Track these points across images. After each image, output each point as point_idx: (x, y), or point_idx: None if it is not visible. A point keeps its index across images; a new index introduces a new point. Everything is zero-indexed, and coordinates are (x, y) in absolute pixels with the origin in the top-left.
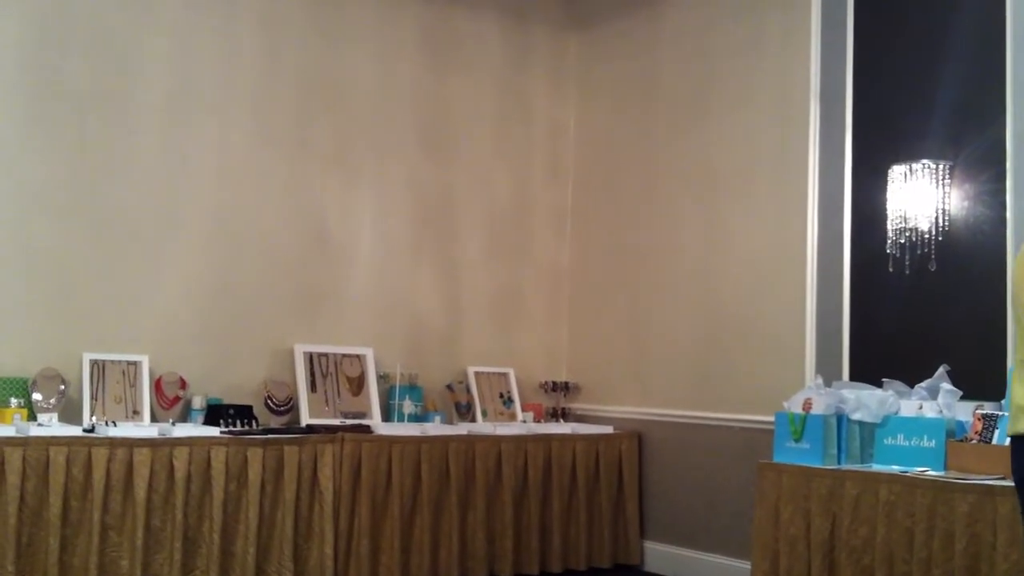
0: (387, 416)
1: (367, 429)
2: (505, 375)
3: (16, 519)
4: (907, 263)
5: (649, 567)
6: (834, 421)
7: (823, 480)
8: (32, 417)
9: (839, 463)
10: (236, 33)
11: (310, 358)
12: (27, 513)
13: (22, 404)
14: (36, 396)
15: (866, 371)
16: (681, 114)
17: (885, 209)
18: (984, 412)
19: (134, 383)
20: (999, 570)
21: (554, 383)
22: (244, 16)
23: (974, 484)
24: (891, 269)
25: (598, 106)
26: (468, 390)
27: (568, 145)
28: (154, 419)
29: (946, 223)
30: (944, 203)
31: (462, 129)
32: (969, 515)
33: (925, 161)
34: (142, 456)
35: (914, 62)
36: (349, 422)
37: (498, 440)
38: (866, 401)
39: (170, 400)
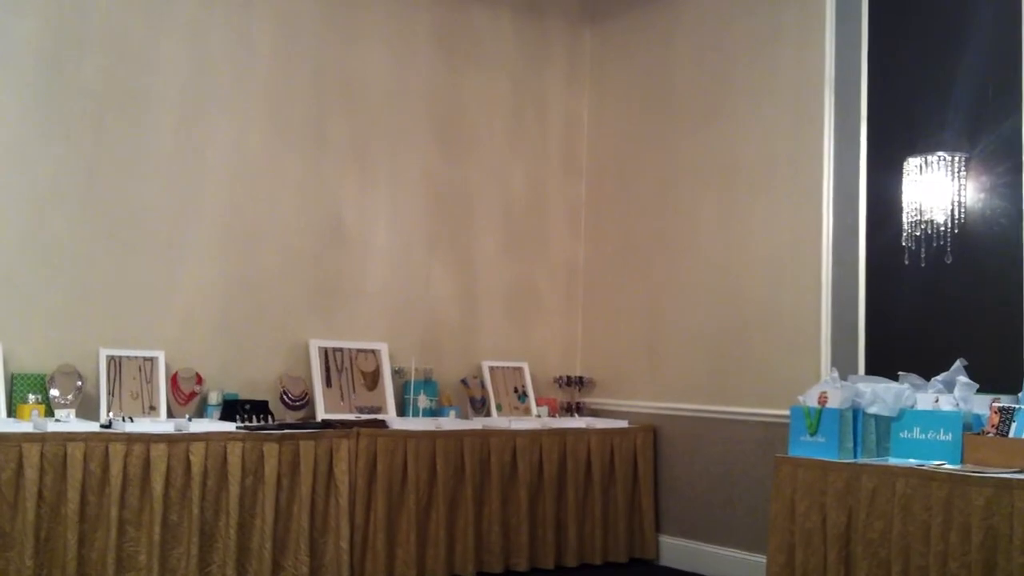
0: (402, 411)
1: (382, 424)
2: (520, 369)
3: (34, 514)
4: (923, 256)
5: (665, 561)
6: (850, 415)
7: (839, 474)
8: (50, 413)
9: (855, 457)
10: (251, 31)
11: (325, 353)
12: (45, 508)
13: (40, 400)
14: (53, 392)
15: (882, 364)
16: (696, 108)
17: (900, 201)
18: (1001, 405)
19: (150, 379)
20: (1016, 564)
21: (569, 377)
22: (259, 14)
23: (991, 477)
24: (907, 262)
25: (613, 100)
26: (483, 385)
27: (583, 140)
28: (170, 415)
29: (962, 216)
30: (960, 195)
31: (477, 124)
32: (986, 508)
33: (941, 153)
34: (159, 451)
35: (929, 54)
36: (364, 417)
37: (513, 435)
38: (882, 394)
39: (186, 396)
